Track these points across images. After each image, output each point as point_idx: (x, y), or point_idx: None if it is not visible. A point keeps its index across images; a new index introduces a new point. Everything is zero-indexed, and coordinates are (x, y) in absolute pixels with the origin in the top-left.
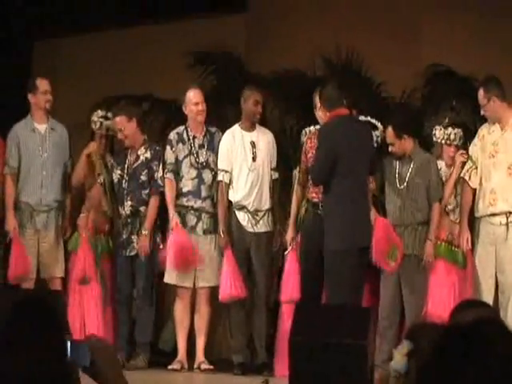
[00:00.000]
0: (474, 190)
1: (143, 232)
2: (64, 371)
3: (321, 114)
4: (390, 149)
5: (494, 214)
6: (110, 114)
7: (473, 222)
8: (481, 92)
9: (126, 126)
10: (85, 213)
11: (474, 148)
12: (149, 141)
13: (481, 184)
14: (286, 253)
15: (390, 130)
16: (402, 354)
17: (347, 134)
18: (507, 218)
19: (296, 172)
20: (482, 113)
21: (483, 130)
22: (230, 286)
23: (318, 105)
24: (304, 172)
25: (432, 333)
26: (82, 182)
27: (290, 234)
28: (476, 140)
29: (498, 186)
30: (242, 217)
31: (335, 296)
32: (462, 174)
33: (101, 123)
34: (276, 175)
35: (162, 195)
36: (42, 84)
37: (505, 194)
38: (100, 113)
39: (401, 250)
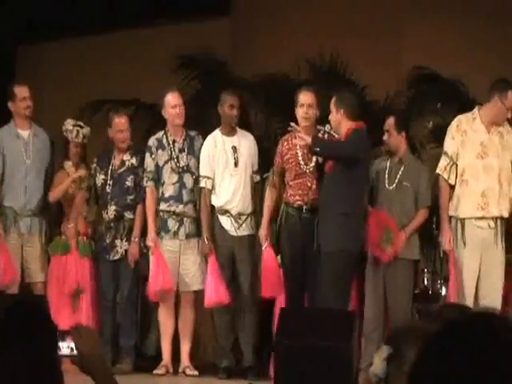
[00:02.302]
0: (453, 187)
1: (133, 240)
2: (55, 371)
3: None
4: (384, 136)
5: (482, 218)
6: (81, 123)
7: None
8: None
9: (128, 127)
10: (71, 223)
11: (452, 142)
12: (134, 145)
13: (463, 181)
14: (263, 248)
15: (391, 118)
16: (381, 359)
17: (369, 150)
18: (496, 223)
19: (270, 174)
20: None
21: (463, 124)
22: (215, 293)
23: (313, 103)
24: (279, 174)
25: (412, 337)
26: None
27: (264, 231)
28: (454, 133)
29: (489, 190)
30: (225, 221)
31: (336, 295)
32: (438, 170)
33: (77, 131)
34: (257, 178)
35: None
36: (20, 91)
37: (496, 199)
38: (71, 121)
39: (396, 232)
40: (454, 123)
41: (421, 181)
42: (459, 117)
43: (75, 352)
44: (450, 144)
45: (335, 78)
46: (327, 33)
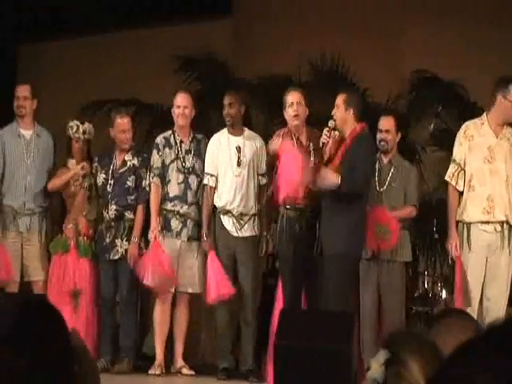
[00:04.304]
0: (461, 193)
1: (133, 240)
2: (70, 373)
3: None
4: (382, 136)
5: (488, 222)
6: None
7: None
8: None
9: (130, 128)
10: (72, 222)
11: (460, 148)
12: (135, 145)
13: (470, 186)
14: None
15: (391, 118)
16: (379, 364)
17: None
18: (502, 227)
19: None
20: None
21: (471, 130)
22: (218, 287)
23: (299, 105)
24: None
25: (410, 341)
26: (61, 190)
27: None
28: (462, 139)
29: (496, 194)
30: (227, 221)
31: (339, 297)
32: (446, 178)
33: (77, 126)
34: (264, 181)
35: (149, 202)
36: (16, 90)
37: (503, 204)
38: (73, 121)
39: (392, 225)
40: (461, 129)
41: (410, 181)
42: (467, 123)
43: None
44: (457, 150)
45: (336, 80)
46: (329, 34)
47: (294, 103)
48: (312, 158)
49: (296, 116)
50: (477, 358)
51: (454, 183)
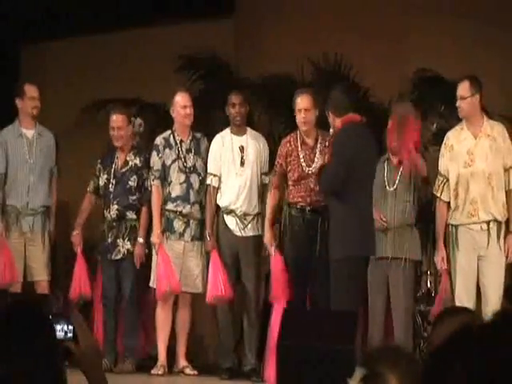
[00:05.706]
0: (448, 203)
1: (139, 240)
2: (56, 374)
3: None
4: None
5: (474, 223)
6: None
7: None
8: (466, 84)
9: (125, 126)
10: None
11: (442, 160)
12: (137, 145)
13: (456, 194)
14: (271, 254)
15: None
16: (356, 382)
17: (362, 144)
18: (488, 226)
19: (271, 176)
20: (458, 105)
21: (450, 140)
22: (217, 288)
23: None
24: (281, 175)
25: (386, 356)
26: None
27: (268, 236)
28: (443, 151)
29: (478, 196)
30: (230, 221)
31: (340, 303)
32: (433, 191)
33: (140, 123)
34: (267, 180)
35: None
36: (30, 90)
37: (486, 204)
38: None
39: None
40: (443, 141)
41: (418, 180)
42: (448, 133)
43: (70, 335)
44: (441, 163)
45: (339, 79)
46: (331, 34)
47: (302, 110)
48: (317, 160)
49: (304, 123)
50: (459, 348)
51: (438, 194)
